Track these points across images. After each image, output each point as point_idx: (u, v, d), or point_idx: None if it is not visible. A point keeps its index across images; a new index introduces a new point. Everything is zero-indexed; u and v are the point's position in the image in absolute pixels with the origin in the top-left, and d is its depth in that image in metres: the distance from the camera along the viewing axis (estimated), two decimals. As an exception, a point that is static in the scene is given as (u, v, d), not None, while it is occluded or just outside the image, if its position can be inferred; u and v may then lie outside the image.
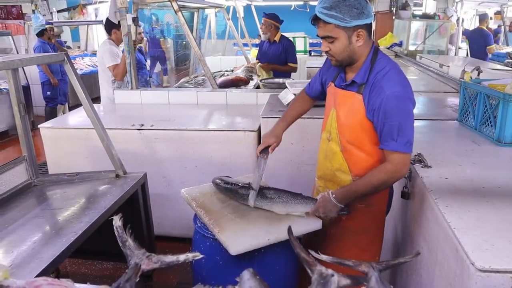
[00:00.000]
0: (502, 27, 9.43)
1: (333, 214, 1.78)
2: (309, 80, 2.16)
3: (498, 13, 9.61)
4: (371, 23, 1.69)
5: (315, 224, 1.85)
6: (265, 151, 2.03)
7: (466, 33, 8.37)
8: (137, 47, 4.83)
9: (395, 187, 2.16)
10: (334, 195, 1.74)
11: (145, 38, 10.78)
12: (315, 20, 1.67)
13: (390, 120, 1.63)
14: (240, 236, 1.71)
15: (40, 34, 6.42)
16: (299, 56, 5.09)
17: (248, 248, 1.68)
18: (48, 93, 6.61)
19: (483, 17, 8.07)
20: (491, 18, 11.65)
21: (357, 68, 1.76)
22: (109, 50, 4.13)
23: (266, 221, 1.83)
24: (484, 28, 7.85)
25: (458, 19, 7.67)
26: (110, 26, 4.28)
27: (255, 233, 1.74)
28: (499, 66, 4.80)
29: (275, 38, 4.92)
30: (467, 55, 8.11)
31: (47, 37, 6.47)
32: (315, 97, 2.13)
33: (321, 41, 1.74)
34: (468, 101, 2.45)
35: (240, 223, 1.82)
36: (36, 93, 7.07)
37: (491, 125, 2.21)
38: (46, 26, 6.51)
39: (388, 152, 1.66)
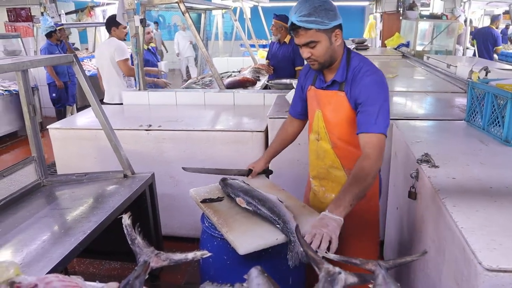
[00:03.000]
0: (511, 26, 9.34)
1: (333, 228, 1.47)
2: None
3: (506, 12, 9.51)
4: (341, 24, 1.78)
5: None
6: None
7: (473, 33, 8.28)
8: (148, 47, 4.87)
9: (402, 187, 2.16)
10: (327, 210, 1.54)
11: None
12: (294, 29, 1.73)
13: (372, 104, 1.70)
14: (248, 236, 1.72)
15: (49, 35, 6.50)
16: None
17: (256, 248, 1.68)
18: (54, 94, 6.68)
19: (495, 18, 8.00)
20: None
21: (336, 68, 1.84)
22: (119, 45, 4.24)
23: (273, 221, 1.83)
24: (493, 27, 7.78)
25: (465, 19, 7.62)
26: (109, 25, 4.34)
27: (263, 233, 1.74)
28: (507, 66, 4.76)
29: (285, 40, 4.92)
30: (474, 55, 8.05)
31: (56, 38, 6.54)
32: (304, 114, 2.12)
33: (301, 49, 1.78)
34: (476, 101, 2.44)
35: (248, 223, 1.83)
36: (44, 94, 7.14)
37: (499, 125, 2.19)
38: (57, 27, 6.58)
39: (369, 135, 1.68)
